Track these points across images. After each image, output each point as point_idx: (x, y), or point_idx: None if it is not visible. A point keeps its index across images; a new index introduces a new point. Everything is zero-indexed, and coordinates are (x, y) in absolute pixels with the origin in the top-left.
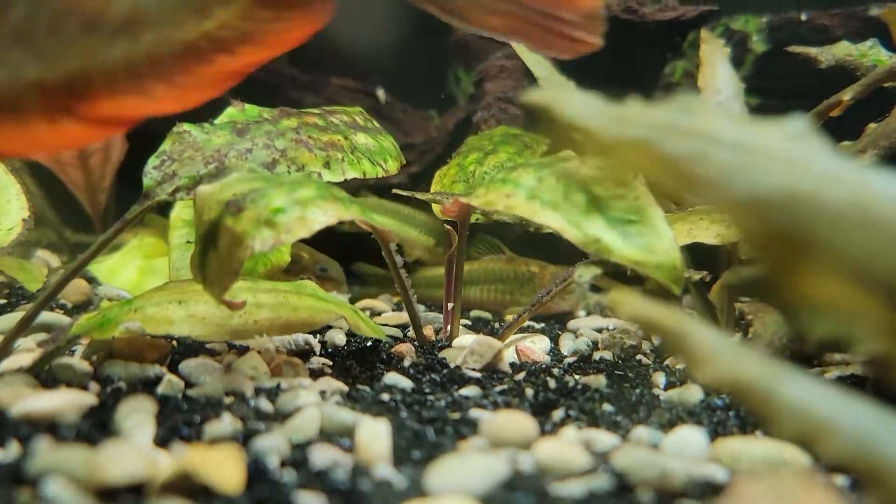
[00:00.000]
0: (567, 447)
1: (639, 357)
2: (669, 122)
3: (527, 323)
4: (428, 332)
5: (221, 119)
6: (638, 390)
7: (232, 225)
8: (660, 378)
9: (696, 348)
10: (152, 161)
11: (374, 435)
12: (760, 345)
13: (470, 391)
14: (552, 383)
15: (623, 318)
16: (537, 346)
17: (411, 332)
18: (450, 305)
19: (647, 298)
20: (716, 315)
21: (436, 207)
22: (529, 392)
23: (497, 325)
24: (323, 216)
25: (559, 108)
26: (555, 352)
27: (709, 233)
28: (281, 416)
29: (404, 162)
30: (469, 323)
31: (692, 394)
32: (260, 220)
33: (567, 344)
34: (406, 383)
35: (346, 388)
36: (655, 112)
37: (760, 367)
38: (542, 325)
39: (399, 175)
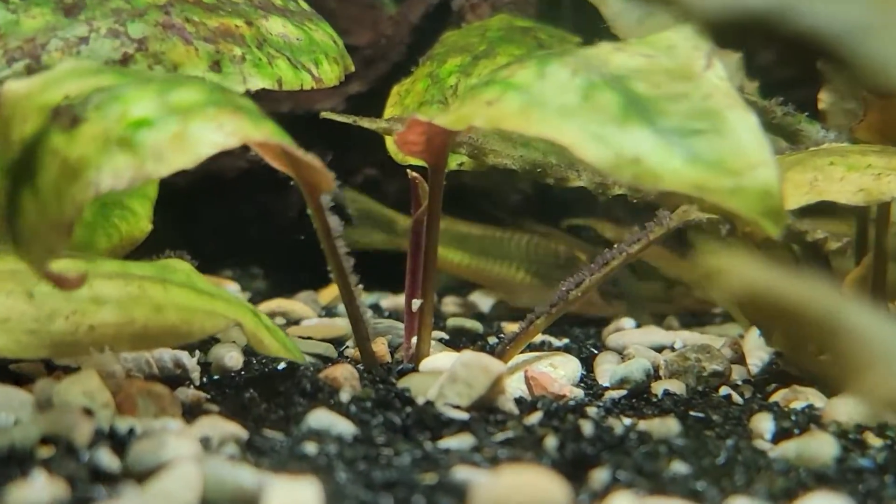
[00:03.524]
0: None
1: (726, 391)
2: None
3: (540, 337)
4: (380, 348)
5: None
6: (730, 441)
7: (63, 146)
8: (764, 422)
9: (859, 343)
10: None
11: None
12: None
13: (453, 441)
14: (588, 429)
15: (726, 297)
16: (560, 373)
17: (353, 350)
18: (416, 304)
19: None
20: None
21: (390, 144)
22: (551, 443)
23: (493, 339)
24: (216, 134)
25: None
26: (589, 381)
27: (844, 186)
28: (134, 478)
29: (351, 67)
30: (445, 337)
31: (819, 447)
32: (110, 137)
33: (608, 369)
34: (345, 427)
35: (244, 434)
36: None
37: None
38: (566, 340)
39: (332, 98)
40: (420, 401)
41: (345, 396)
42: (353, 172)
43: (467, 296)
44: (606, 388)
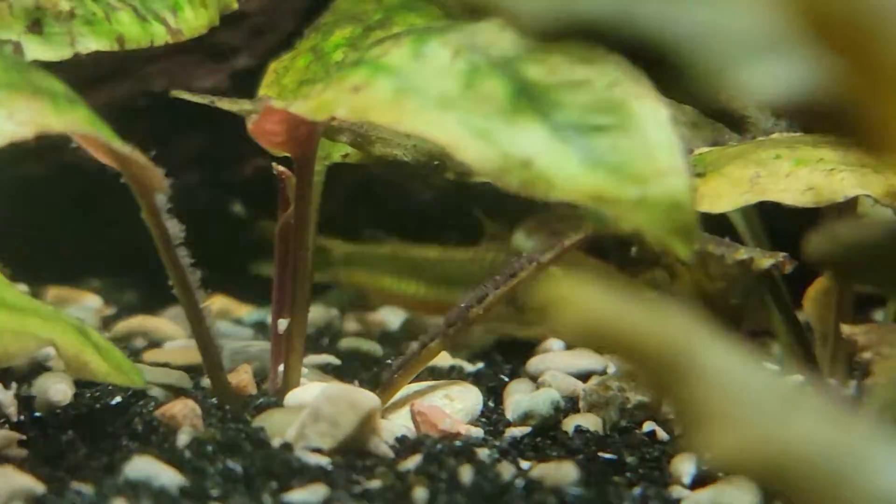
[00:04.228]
0: None
1: (650, 427)
2: None
3: (450, 361)
4: (243, 377)
5: None
6: (638, 489)
7: None
8: (686, 464)
9: (705, 387)
10: None
11: None
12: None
13: (302, 493)
14: (467, 476)
15: (562, 333)
16: (457, 406)
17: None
18: (282, 324)
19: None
20: (809, 345)
21: None
22: (420, 494)
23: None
24: (6, 123)
25: None
26: (493, 415)
27: (791, 183)
28: None
29: (234, 3)
30: (335, 362)
31: (737, 496)
32: None
33: (516, 401)
34: (170, 477)
35: (39, 489)
36: None
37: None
38: (480, 365)
39: (213, 74)
40: (276, 443)
41: (183, 439)
42: (241, 163)
43: (374, 312)
44: (509, 423)
